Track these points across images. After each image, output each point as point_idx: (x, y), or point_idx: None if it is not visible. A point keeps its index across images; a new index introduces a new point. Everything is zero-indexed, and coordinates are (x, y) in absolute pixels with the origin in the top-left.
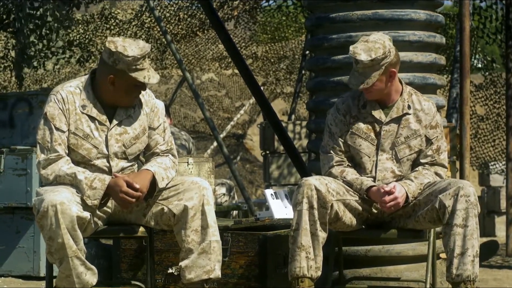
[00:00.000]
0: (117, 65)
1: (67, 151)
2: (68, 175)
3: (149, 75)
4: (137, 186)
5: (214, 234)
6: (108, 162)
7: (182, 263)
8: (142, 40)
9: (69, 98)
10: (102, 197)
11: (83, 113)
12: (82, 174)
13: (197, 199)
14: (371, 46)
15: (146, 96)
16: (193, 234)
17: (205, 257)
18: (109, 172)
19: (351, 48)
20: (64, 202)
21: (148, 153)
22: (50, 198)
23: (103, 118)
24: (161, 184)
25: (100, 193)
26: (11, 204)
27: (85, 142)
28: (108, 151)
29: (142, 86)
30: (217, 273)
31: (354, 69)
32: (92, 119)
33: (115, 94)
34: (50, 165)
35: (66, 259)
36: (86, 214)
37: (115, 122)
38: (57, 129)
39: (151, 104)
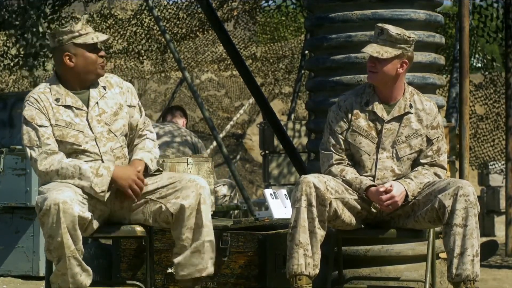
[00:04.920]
0: (63, 41)
1: (57, 145)
2: (71, 166)
3: (96, 35)
4: (140, 171)
5: (208, 234)
6: (97, 144)
7: (176, 260)
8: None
9: (42, 97)
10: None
11: (58, 105)
12: (86, 164)
13: (194, 198)
14: (400, 28)
15: (115, 78)
16: (188, 232)
17: (198, 256)
18: (100, 155)
19: (378, 23)
20: (66, 201)
21: (132, 134)
22: (54, 196)
23: (79, 104)
24: (152, 166)
25: (107, 179)
26: (10, 204)
27: (69, 129)
28: (93, 132)
29: (97, 49)
30: (209, 270)
31: (373, 41)
32: (69, 107)
33: (80, 70)
34: (47, 159)
35: (64, 258)
36: (88, 215)
37: (91, 104)
38: (40, 126)
39: (124, 85)
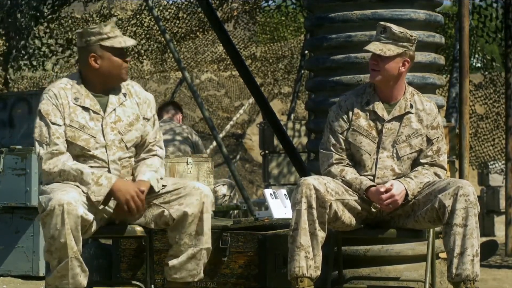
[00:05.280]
0: (90, 41)
1: (66, 145)
2: (73, 170)
3: (124, 40)
4: (143, 191)
5: (207, 242)
6: (106, 151)
7: (170, 262)
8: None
9: (61, 93)
10: (106, 195)
11: (76, 105)
12: (89, 169)
13: (197, 207)
14: (403, 27)
15: (136, 87)
16: (186, 238)
17: (194, 262)
18: (107, 162)
19: (380, 22)
20: (71, 202)
21: (139, 143)
22: (58, 197)
23: (97, 107)
24: (157, 188)
25: (106, 190)
26: (10, 204)
27: (82, 133)
28: (105, 139)
29: (123, 54)
30: (201, 275)
31: (375, 39)
32: (86, 109)
33: (103, 73)
34: (52, 159)
35: (66, 260)
36: (90, 217)
37: (109, 110)
38: (53, 123)
39: (143, 95)
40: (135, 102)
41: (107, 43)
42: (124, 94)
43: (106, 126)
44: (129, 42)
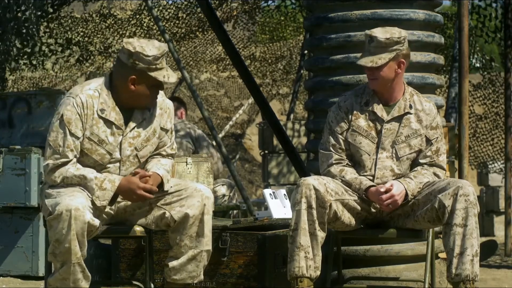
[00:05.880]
0: (138, 65)
1: (78, 156)
2: (76, 176)
3: (167, 74)
4: (150, 174)
5: (207, 244)
6: (120, 166)
7: (170, 264)
8: None
9: (89, 102)
10: (112, 197)
11: (100, 117)
12: (92, 174)
13: (198, 208)
14: (388, 29)
15: (160, 97)
16: (187, 239)
17: (194, 263)
18: (119, 176)
19: (367, 30)
20: (79, 208)
21: (153, 152)
22: (66, 202)
23: (121, 122)
24: (166, 187)
25: (110, 194)
26: (10, 204)
27: (99, 147)
28: (121, 155)
29: (161, 86)
30: (201, 277)
31: (366, 49)
32: (109, 123)
33: (135, 95)
34: (57, 169)
35: (68, 264)
36: (97, 222)
37: (131, 126)
38: (72, 134)
39: (164, 105)
40: (156, 114)
41: (152, 73)
42: (148, 109)
43: (125, 141)
44: (172, 79)
